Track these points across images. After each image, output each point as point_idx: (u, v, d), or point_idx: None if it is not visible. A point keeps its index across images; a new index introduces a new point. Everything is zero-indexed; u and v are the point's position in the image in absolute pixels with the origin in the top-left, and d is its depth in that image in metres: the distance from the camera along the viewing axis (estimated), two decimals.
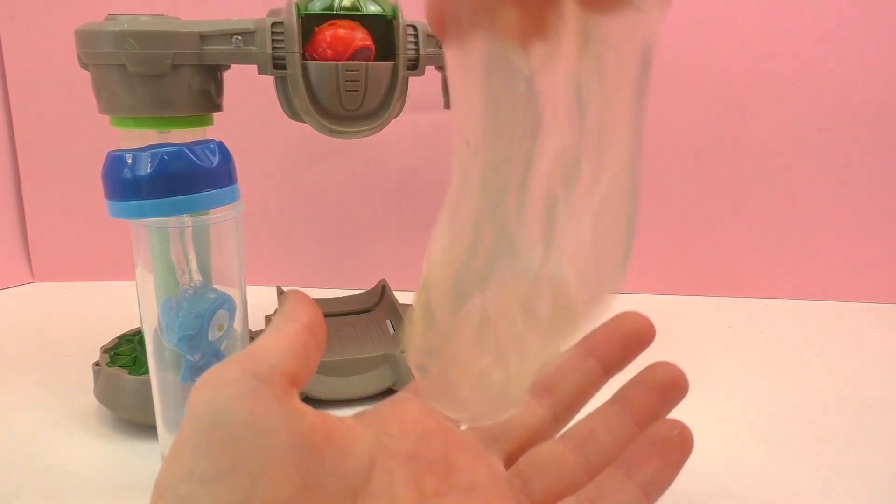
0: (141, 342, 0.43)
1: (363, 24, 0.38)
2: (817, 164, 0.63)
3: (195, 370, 0.31)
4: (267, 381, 0.19)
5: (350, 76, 0.38)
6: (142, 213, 0.27)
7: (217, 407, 0.18)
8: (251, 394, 0.19)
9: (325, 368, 0.43)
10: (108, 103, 0.37)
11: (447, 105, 0.46)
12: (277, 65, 0.38)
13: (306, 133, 0.40)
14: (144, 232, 0.31)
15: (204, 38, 0.37)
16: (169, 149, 0.27)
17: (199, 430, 0.18)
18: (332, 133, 0.39)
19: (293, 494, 0.18)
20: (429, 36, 0.40)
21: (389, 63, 0.39)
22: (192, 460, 0.18)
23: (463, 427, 0.25)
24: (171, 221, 0.29)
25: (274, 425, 0.19)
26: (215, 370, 0.20)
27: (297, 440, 0.19)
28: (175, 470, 0.18)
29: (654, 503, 0.23)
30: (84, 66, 0.38)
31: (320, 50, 0.38)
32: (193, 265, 0.31)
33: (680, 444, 0.23)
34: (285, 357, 0.20)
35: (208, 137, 0.33)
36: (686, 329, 0.56)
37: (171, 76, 0.36)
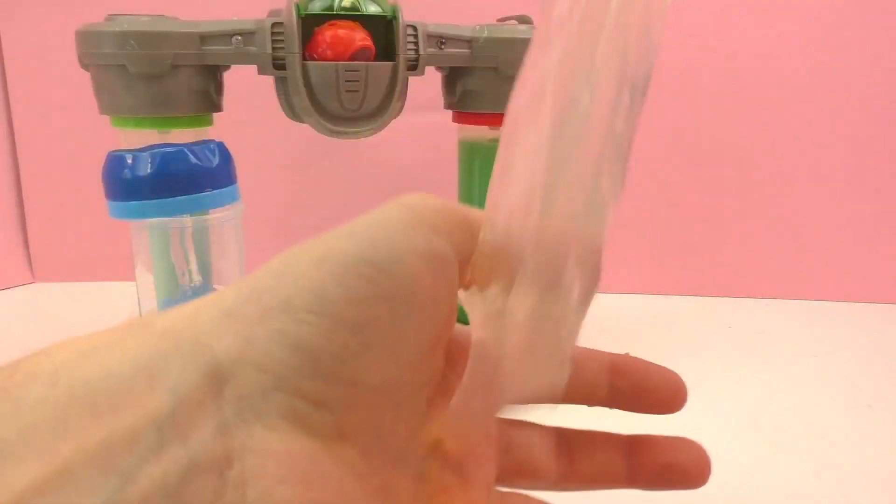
0: None
1: (363, 25, 0.38)
2: (817, 164, 0.63)
3: None
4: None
5: (350, 76, 0.38)
6: (142, 214, 0.27)
7: None
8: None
9: None
10: (109, 103, 0.37)
11: (447, 105, 0.46)
12: (277, 65, 0.38)
13: (306, 133, 0.40)
14: (144, 232, 0.31)
15: (204, 38, 0.37)
16: (169, 149, 0.27)
17: None
18: (332, 133, 0.39)
19: None
20: (429, 36, 0.40)
21: (389, 63, 0.39)
22: None
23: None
24: (171, 222, 0.29)
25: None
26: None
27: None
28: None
29: None
30: (84, 66, 0.38)
31: (320, 50, 0.38)
32: (193, 265, 0.31)
33: None
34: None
35: (208, 137, 0.33)
36: (686, 329, 0.56)
37: (171, 76, 0.36)
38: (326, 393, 0.15)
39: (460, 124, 0.45)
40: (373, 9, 0.38)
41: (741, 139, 0.63)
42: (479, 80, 0.42)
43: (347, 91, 0.38)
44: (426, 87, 0.44)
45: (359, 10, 0.38)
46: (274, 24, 0.37)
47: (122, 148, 0.28)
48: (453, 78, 0.43)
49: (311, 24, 0.38)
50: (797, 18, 0.60)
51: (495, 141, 0.45)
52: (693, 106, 0.62)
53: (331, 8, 0.38)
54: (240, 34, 0.37)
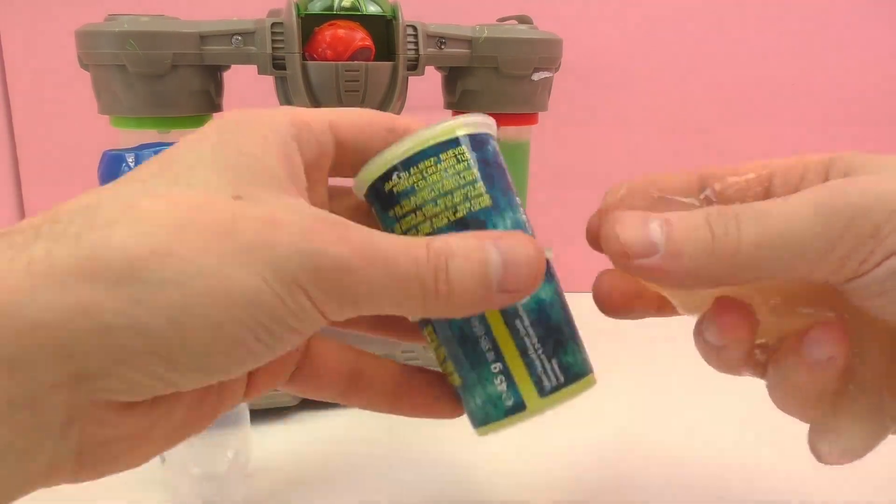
0: None
1: (363, 25, 0.38)
2: None
3: None
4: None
5: (350, 76, 0.38)
6: None
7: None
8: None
9: None
10: (108, 103, 0.37)
11: (447, 105, 0.46)
12: (277, 65, 0.38)
13: None
14: None
15: (204, 38, 0.37)
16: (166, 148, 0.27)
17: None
18: None
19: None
20: (429, 36, 0.40)
21: (389, 63, 0.39)
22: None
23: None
24: None
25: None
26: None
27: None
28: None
29: None
30: (84, 66, 0.38)
31: (320, 50, 0.38)
32: None
33: None
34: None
35: None
36: (687, 328, 0.56)
37: (171, 76, 0.36)
38: None
39: None
40: (373, 9, 0.38)
41: (742, 139, 0.63)
42: (479, 80, 0.42)
43: (347, 91, 0.38)
44: (426, 87, 0.44)
45: (359, 10, 0.38)
46: (274, 24, 0.37)
47: (122, 148, 0.28)
48: (453, 78, 0.43)
49: (310, 23, 0.38)
50: (796, 20, 0.60)
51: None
52: (694, 106, 0.62)
53: (331, 8, 0.38)
54: (240, 34, 0.37)
